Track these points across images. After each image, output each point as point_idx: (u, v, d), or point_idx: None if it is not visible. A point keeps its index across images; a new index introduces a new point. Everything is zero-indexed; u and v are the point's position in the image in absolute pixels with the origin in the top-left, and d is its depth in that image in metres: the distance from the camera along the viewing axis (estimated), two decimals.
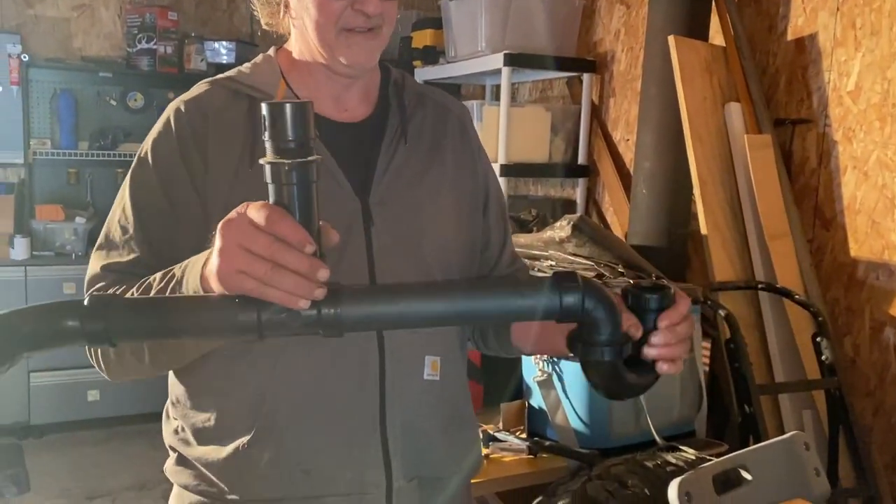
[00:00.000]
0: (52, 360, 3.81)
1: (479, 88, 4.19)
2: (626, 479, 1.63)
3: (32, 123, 4.07)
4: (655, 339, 0.90)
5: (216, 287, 0.77)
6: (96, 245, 1.07)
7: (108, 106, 4.27)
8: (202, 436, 1.08)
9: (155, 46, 4.19)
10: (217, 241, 0.76)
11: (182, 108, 1.07)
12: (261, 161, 0.75)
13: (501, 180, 3.22)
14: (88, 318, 0.74)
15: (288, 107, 0.73)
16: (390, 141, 1.12)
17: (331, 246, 0.80)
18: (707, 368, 2.40)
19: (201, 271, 0.81)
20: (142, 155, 1.07)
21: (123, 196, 1.07)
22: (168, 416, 1.13)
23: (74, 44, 4.26)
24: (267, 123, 0.74)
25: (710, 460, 1.24)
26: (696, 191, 2.47)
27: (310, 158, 0.74)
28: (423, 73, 3.77)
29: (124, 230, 1.05)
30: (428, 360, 1.10)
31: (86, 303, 0.75)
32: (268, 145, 0.75)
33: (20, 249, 3.85)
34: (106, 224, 1.08)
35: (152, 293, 0.91)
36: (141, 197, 1.06)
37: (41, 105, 4.10)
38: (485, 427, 1.99)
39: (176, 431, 1.11)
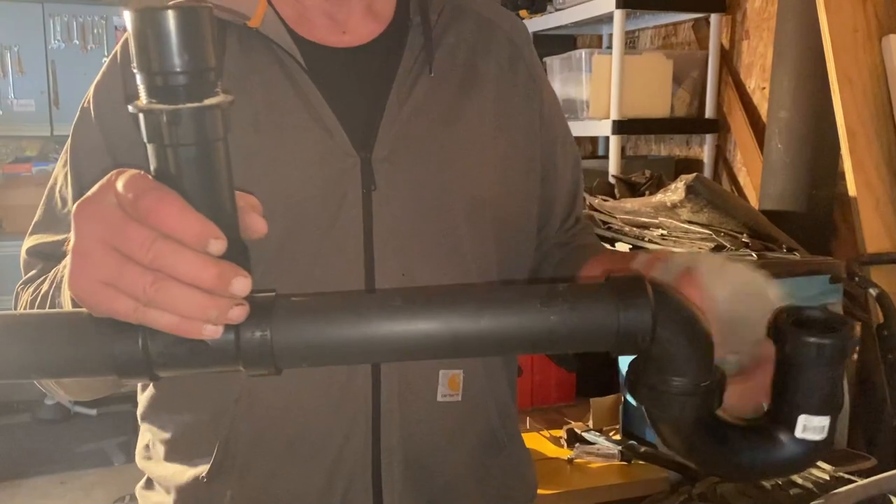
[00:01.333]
0: None
1: (595, 39, 3.83)
2: (736, 502, 1.32)
3: None
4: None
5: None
6: (34, 219, 0.88)
7: None
8: (168, 456, 0.87)
9: None
10: (72, 233, 0.50)
11: (118, 54, 0.85)
12: (129, 108, 0.49)
13: (613, 139, 2.87)
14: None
15: (166, 15, 0.47)
16: (407, 71, 0.84)
17: (255, 237, 0.53)
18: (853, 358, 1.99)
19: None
20: (84, 105, 0.85)
21: (65, 157, 0.87)
22: (142, 428, 0.94)
23: None
24: (133, 46, 0.48)
25: (853, 481, 0.97)
26: (844, 144, 2.04)
27: (208, 101, 0.49)
28: (531, 25, 3.43)
29: (63, 201, 0.85)
30: (444, 375, 0.82)
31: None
32: (140, 82, 0.49)
33: None
34: (46, 192, 0.88)
35: (42, 299, 0.70)
36: (81, 159, 0.84)
37: None
38: (573, 424, 1.70)
39: (147, 447, 0.92)
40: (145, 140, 0.50)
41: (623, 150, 3.14)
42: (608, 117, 2.85)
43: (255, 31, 0.82)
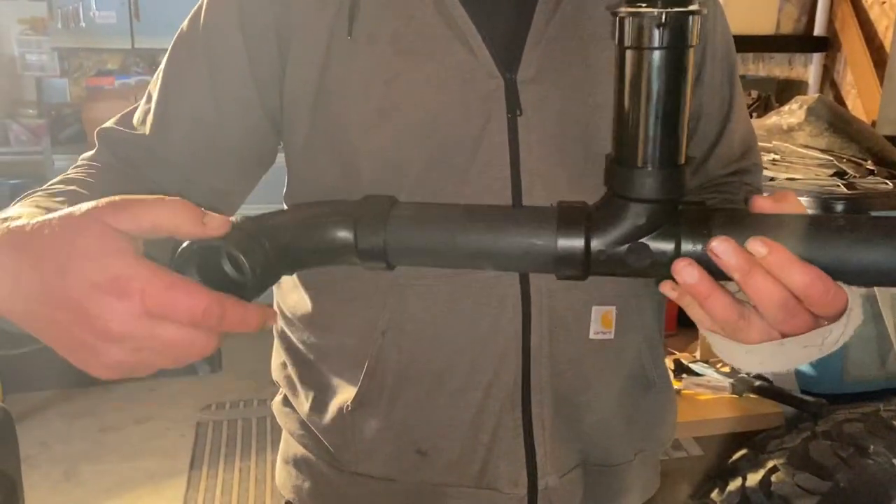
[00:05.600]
0: None
1: None
2: (867, 444, 1.25)
3: None
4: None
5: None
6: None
7: None
8: (305, 382, 0.85)
9: None
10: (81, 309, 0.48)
11: None
12: (618, 11, 0.54)
13: None
14: (362, 230, 0.61)
15: None
16: None
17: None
18: None
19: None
20: (195, 10, 0.80)
21: (168, 54, 0.82)
22: (277, 341, 0.92)
23: None
24: None
25: None
26: None
27: (692, 7, 0.53)
28: None
29: (147, 97, 0.81)
30: (596, 311, 0.78)
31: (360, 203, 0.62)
32: None
33: None
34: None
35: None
36: (175, 67, 0.79)
37: None
38: (678, 355, 1.65)
39: (284, 366, 0.89)
40: (623, 44, 0.54)
41: None
42: None
43: None
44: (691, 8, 0.52)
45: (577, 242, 0.57)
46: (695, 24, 0.53)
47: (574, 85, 0.77)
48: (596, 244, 0.57)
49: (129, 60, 4.06)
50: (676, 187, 0.57)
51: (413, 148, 0.74)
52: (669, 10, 0.52)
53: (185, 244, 0.54)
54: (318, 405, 0.83)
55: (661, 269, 0.57)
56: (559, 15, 0.76)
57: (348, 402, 0.80)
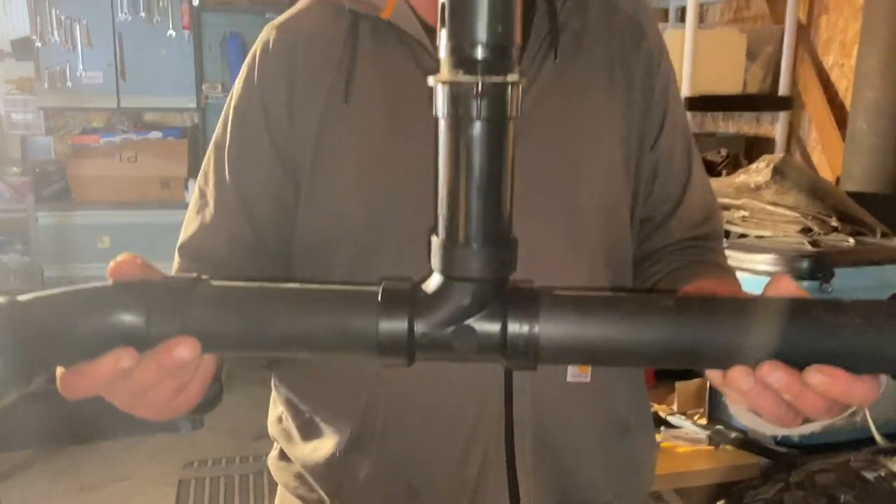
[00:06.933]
0: None
1: (661, 12, 3.73)
2: (838, 493, 1.30)
3: (204, 68, 4.15)
4: None
5: None
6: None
7: None
8: (304, 432, 0.90)
9: None
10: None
11: (271, 39, 0.87)
12: (431, 80, 0.52)
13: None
14: (157, 313, 0.55)
15: None
16: (533, 56, 0.84)
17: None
18: None
19: None
20: (229, 100, 0.89)
21: (207, 157, 0.90)
22: (274, 398, 0.96)
23: None
24: (448, 14, 0.50)
25: None
26: None
27: (510, 77, 0.50)
28: None
29: (201, 193, 0.89)
30: None
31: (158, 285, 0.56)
32: (444, 52, 0.51)
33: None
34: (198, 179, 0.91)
35: None
36: (220, 153, 0.88)
37: (212, 49, 4.19)
38: (656, 407, 1.70)
39: (280, 419, 0.94)
40: (439, 114, 0.52)
41: None
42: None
43: (386, 22, 0.82)
44: (510, 79, 0.50)
45: (401, 325, 0.53)
46: (514, 96, 0.51)
47: (551, 142, 0.84)
48: (420, 327, 0.54)
49: (115, 119, 4.12)
50: (503, 265, 0.55)
51: (401, 200, 0.81)
52: (486, 79, 0.49)
53: None
54: (313, 452, 0.88)
55: (488, 353, 0.54)
56: (538, 82, 0.84)
57: (341, 446, 0.84)
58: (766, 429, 0.64)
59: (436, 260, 0.56)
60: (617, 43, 0.89)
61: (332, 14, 0.85)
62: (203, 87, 4.09)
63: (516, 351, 0.54)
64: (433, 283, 0.56)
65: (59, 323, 0.53)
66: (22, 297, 0.53)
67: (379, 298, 0.54)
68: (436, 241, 0.56)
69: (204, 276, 0.57)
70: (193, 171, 4.05)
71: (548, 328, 0.53)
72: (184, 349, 0.55)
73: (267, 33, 0.88)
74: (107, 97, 3.90)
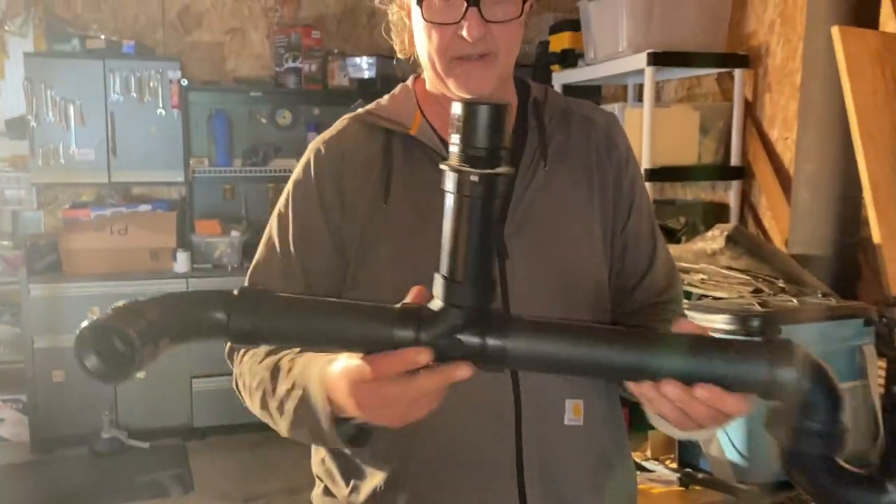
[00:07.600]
0: (212, 367, 4.01)
1: (620, 89, 4.04)
2: None
3: (192, 143, 4.33)
4: None
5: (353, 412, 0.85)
6: (254, 261, 1.11)
7: (259, 124, 4.48)
8: (345, 473, 1.07)
9: (301, 65, 4.33)
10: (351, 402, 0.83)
11: (322, 149, 1.08)
12: (442, 166, 0.74)
13: (647, 185, 3.05)
14: (236, 312, 0.75)
15: (483, 109, 0.71)
16: (528, 164, 1.06)
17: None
18: (883, 392, 2.16)
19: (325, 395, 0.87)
20: (285, 196, 1.10)
21: (270, 230, 1.10)
22: None
23: (227, 66, 4.50)
24: (459, 124, 0.72)
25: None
26: (868, 195, 2.22)
27: (499, 170, 0.72)
28: (562, 77, 3.67)
29: (269, 248, 1.10)
30: (569, 403, 1.03)
31: (236, 293, 0.76)
32: (454, 149, 0.73)
33: (182, 263, 4.09)
34: (264, 239, 1.12)
35: (263, 395, 0.97)
36: (283, 223, 1.09)
37: (199, 126, 4.36)
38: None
39: (323, 461, 1.11)
40: (448, 189, 0.74)
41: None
42: (641, 166, 3.04)
43: (413, 138, 1.04)
44: (499, 171, 0.71)
45: (409, 334, 0.75)
46: (500, 182, 0.72)
47: (548, 237, 1.04)
48: (423, 336, 0.74)
49: (104, 192, 4.27)
50: (486, 298, 0.75)
51: (423, 279, 1.00)
52: (482, 172, 0.71)
53: (78, 331, 0.68)
54: (354, 489, 1.04)
55: (470, 358, 0.75)
56: (535, 180, 1.05)
57: (381, 484, 1.01)
58: (674, 432, 0.87)
59: (437, 290, 0.77)
60: (594, 152, 1.11)
61: (368, 131, 1.07)
62: (191, 162, 4.26)
63: (491, 358, 0.76)
64: (435, 306, 0.77)
65: (171, 313, 0.74)
66: (141, 299, 0.74)
67: (396, 314, 0.76)
68: (438, 277, 0.77)
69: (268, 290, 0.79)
70: (181, 243, 4.22)
71: (515, 343, 0.75)
72: (465, 370, 0.76)
73: (317, 144, 1.09)
74: (98, 173, 4.05)
